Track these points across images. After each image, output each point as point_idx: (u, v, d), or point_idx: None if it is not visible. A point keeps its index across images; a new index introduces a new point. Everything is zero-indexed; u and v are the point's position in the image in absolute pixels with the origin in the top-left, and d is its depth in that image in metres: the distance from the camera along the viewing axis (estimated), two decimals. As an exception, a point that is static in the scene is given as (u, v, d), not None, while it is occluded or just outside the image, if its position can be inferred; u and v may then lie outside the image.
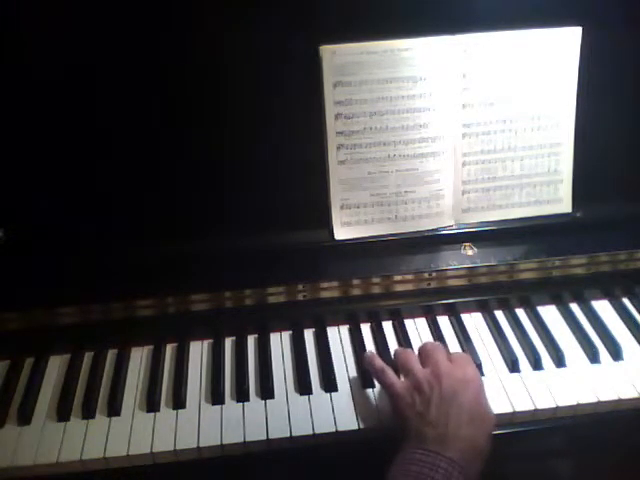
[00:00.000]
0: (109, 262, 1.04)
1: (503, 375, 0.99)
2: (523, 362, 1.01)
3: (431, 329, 1.08)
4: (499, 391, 0.96)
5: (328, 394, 0.97)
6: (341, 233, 1.10)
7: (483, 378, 0.98)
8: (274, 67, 1.02)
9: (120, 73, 1.00)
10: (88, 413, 0.96)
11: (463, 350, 1.03)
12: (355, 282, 1.07)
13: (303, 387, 0.98)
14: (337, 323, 1.09)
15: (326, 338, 1.06)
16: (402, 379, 0.92)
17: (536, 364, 1.00)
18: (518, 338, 1.06)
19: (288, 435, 0.91)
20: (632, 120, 1.12)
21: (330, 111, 1.04)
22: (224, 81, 1.02)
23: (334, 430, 0.91)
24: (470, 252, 1.10)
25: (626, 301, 1.13)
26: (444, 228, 1.12)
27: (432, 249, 1.11)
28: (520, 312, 1.10)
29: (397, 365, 0.93)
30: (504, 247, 1.10)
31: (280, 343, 1.07)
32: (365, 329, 1.09)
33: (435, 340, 1.05)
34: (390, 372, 0.92)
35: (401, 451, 0.81)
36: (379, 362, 0.94)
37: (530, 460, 1.02)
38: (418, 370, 0.89)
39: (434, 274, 1.08)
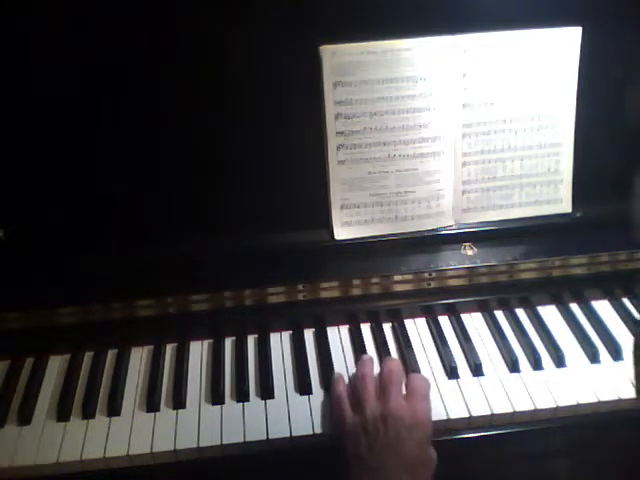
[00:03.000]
0: (109, 262, 1.04)
1: (503, 375, 0.99)
2: (523, 362, 1.01)
3: (431, 329, 1.08)
4: (499, 391, 0.96)
5: (328, 394, 0.97)
6: (341, 233, 1.10)
7: (483, 378, 0.99)
8: (274, 67, 1.02)
9: (120, 73, 1.00)
10: (88, 413, 0.96)
11: (463, 350, 1.03)
12: (355, 282, 1.07)
13: (303, 387, 0.98)
14: (337, 323, 1.09)
15: (326, 338, 1.06)
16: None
17: (536, 364, 1.00)
18: (518, 338, 1.06)
19: (288, 435, 0.91)
20: (632, 120, 1.12)
21: (330, 111, 1.04)
22: (224, 81, 1.02)
23: (334, 430, 0.91)
24: (470, 252, 1.10)
25: (626, 301, 1.12)
26: (444, 228, 1.12)
27: (432, 249, 1.11)
28: (520, 312, 1.10)
29: (358, 384, 0.92)
30: (504, 247, 1.10)
31: (280, 343, 1.07)
32: (365, 329, 1.09)
33: (435, 341, 1.05)
34: (345, 404, 0.90)
35: None
36: (339, 388, 0.93)
37: (530, 460, 1.02)
38: (369, 406, 0.87)
39: (434, 274, 1.08)
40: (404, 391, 0.91)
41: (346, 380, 0.97)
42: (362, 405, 0.88)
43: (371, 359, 0.98)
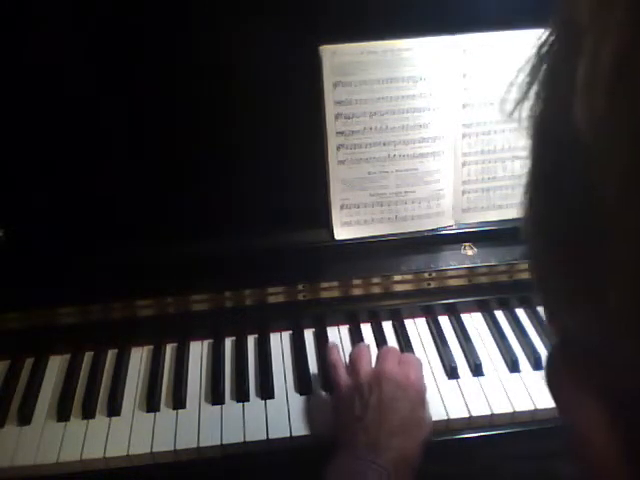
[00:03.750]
0: (109, 262, 1.04)
1: (503, 375, 0.99)
2: (523, 362, 1.01)
3: (431, 329, 1.08)
4: (499, 391, 0.96)
5: (328, 394, 0.97)
6: (341, 233, 1.10)
7: (483, 378, 0.98)
8: (274, 67, 1.02)
9: (121, 73, 1.00)
10: (88, 413, 0.96)
11: (463, 350, 1.03)
12: (355, 282, 1.07)
13: (303, 387, 0.98)
14: (337, 323, 1.09)
15: (326, 338, 1.06)
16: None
17: (536, 364, 1.00)
18: (518, 338, 1.06)
19: (288, 435, 0.91)
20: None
21: (330, 111, 1.04)
22: (224, 81, 1.02)
23: (334, 430, 0.91)
24: (470, 252, 1.10)
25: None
26: (444, 228, 1.12)
27: (432, 249, 1.11)
28: (520, 312, 1.10)
29: (354, 353, 0.94)
30: (504, 247, 1.10)
31: (280, 343, 1.07)
32: (365, 329, 1.09)
33: (435, 341, 1.05)
34: (340, 370, 0.92)
35: (334, 457, 0.81)
36: (334, 357, 0.95)
37: (530, 460, 1.02)
38: (363, 371, 0.89)
39: (434, 274, 1.08)
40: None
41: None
42: (356, 369, 0.90)
43: (367, 344, 0.99)
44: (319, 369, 1.01)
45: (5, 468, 0.89)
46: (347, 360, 0.96)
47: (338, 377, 0.92)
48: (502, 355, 1.03)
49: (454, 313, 1.10)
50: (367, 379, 0.87)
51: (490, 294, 1.10)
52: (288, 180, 1.07)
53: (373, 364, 0.92)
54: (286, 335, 1.08)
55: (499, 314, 1.10)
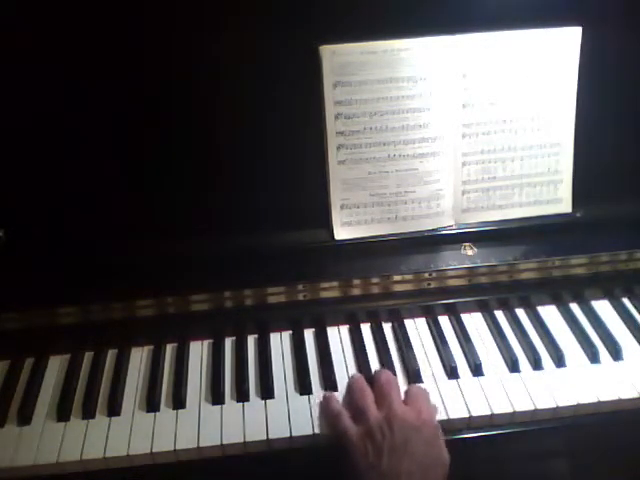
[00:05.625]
0: (109, 262, 1.04)
1: (503, 375, 0.99)
2: (523, 362, 1.01)
3: (431, 329, 1.08)
4: (499, 391, 0.96)
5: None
6: (341, 233, 1.10)
7: (483, 378, 0.98)
8: (274, 67, 1.02)
9: (117, 72, 1.00)
10: (88, 413, 0.96)
11: (463, 350, 1.03)
12: (355, 282, 1.07)
13: (303, 387, 0.98)
14: (337, 323, 1.09)
15: (326, 338, 1.06)
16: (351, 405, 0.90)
17: (536, 364, 1.00)
18: (518, 338, 1.06)
19: (288, 435, 0.91)
20: (632, 120, 1.12)
21: (330, 111, 1.04)
22: (224, 81, 1.02)
23: (334, 430, 0.91)
24: (470, 252, 1.10)
25: (626, 301, 1.13)
26: (444, 228, 1.12)
27: (432, 249, 1.11)
28: (520, 312, 1.10)
29: (355, 396, 0.91)
30: (504, 247, 1.10)
31: (280, 343, 1.07)
32: (365, 329, 1.09)
33: (435, 341, 1.05)
34: (345, 418, 0.88)
35: None
36: (336, 405, 0.91)
37: (530, 460, 1.02)
38: (372, 414, 0.86)
39: (434, 274, 1.08)
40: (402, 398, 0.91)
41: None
42: (365, 415, 0.87)
43: (361, 375, 0.97)
44: (319, 369, 1.01)
45: (5, 468, 0.89)
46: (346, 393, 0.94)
47: (344, 426, 0.87)
48: (502, 355, 1.03)
49: (454, 313, 1.10)
50: (377, 423, 0.85)
51: (490, 294, 1.10)
52: (288, 180, 1.07)
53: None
54: (286, 335, 1.08)
55: (499, 314, 1.10)
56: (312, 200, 1.08)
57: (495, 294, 1.11)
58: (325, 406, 0.93)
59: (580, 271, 1.10)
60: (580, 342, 1.04)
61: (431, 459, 0.83)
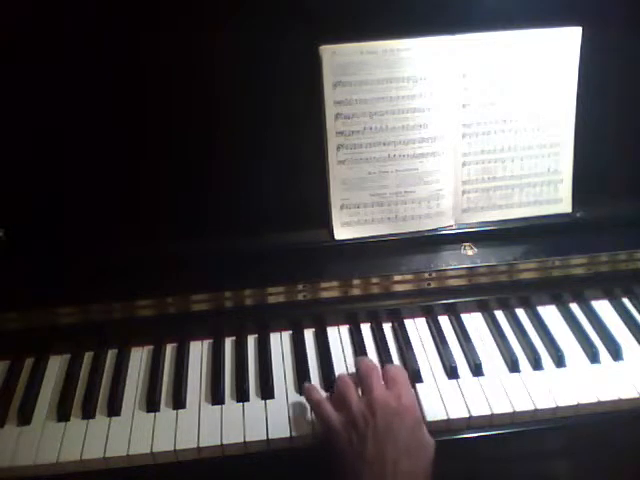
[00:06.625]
0: (109, 262, 1.04)
1: (503, 375, 0.99)
2: (523, 362, 1.01)
3: (431, 329, 1.08)
4: (499, 391, 0.96)
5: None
6: (341, 233, 1.10)
7: (483, 378, 0.98)
8: (274, 67, 1.02)
9: (115, 72, 1.00)
10: (88, 413, 0.96)
11: (463, 350, 1.03)
12: (355, 282, 1.07)
13: (303, 387, 0.98)
14: (337, 323, 1.09)
15: (326, 338, 1.06)
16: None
17: (536, 364, 1.00)
18: (518, 338, 1.06)
19: (288, 435, 0.91)
20: (632, 120, 1.12)
21: (330, 111, 1.04)
22: (224, 81, 1.03)
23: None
24: (470, 252, 1.10)
25: (626, 301, 1.13)
26: (444, 228, 1.12)
27: (432, 249, 1.11)
28: (520, 312, 1.10)
29: (338, 386, 0.92)
30: (504, 247, 1.10)
31: (280, 343, 1.07)
32: (365, 329, 1.09)
33: (435, 341, 1.05)
34: (327, 406, 0.89)
35: None
36: (316, 395, 0.92)
37: (530, 460, 1.02)
38: (354, 402, 0.87)
39: (434, 274, 1.08)
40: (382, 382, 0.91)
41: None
42: (347, 403, 0.87)
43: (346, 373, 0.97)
44: (319, 369, 1.01)
45: (5, 468, 0.89)
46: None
47: (327, 415, 0.87)
48: (502, 355, 1.03)
49: (454, 313, 1.10)
50: (359, 411, 0.85)
51: (490, 294, 1.10)
52: (288, 180, 1.07)
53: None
54: (286, 335, 1.08)
55: (499, 314, 1.10)
56: (312, 200, 1.08)
57: (495, 294, 1.11)
58: (307, 397, 0.93)
59: (580, 271, 1.10)
60: (580, 342, 1.04)
61: (415, 443, 0.84)
